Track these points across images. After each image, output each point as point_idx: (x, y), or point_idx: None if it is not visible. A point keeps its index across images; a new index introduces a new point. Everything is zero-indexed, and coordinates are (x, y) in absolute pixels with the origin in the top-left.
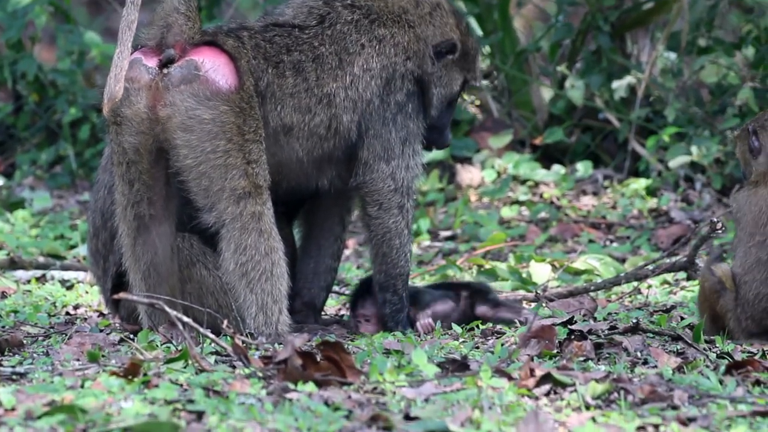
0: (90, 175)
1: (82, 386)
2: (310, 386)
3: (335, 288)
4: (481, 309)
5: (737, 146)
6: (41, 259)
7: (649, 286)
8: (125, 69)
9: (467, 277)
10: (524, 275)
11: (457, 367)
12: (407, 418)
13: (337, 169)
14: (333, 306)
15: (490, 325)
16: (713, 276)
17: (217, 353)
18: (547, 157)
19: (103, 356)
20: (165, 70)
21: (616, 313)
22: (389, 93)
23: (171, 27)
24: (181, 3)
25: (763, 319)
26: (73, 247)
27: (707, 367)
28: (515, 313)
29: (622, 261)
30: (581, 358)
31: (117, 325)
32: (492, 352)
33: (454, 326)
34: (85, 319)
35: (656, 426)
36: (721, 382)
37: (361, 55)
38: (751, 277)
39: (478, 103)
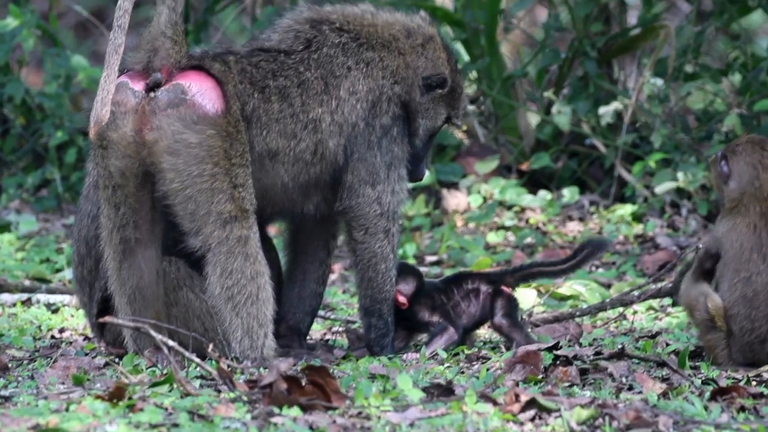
0: (76, 198)
1: (67, 410)
2: (295, 410)
3: (320, 312)
4: (501, 320)
5: (711, 172)
6: (27, 283)
7: (635, 312)
8: (112, 93)
9: None
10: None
11: (442, 391)
12: None
13: (323, 193)
14: (318, 330)
15: (476, 349)
16: (705, 313)
17: (202, 377)
18: (533, 182)
19: (88, 380)
20: (152, 94)
21: (601, 338)
22: (375, 116)
23: (158, 51)
24: (168, 27)
25: (748, 352)
26: (58, 270)
27: (692, 393)
28: (526, 343)
29: (608, 287)
30: (566, 384)
31: (102, 348)
32: (477, 377)
33: (440, 351)
34: (71, 342)
35: None
36: (706, 408)
37: (347, 78)
38: (736, 312)
39: (464, 128)
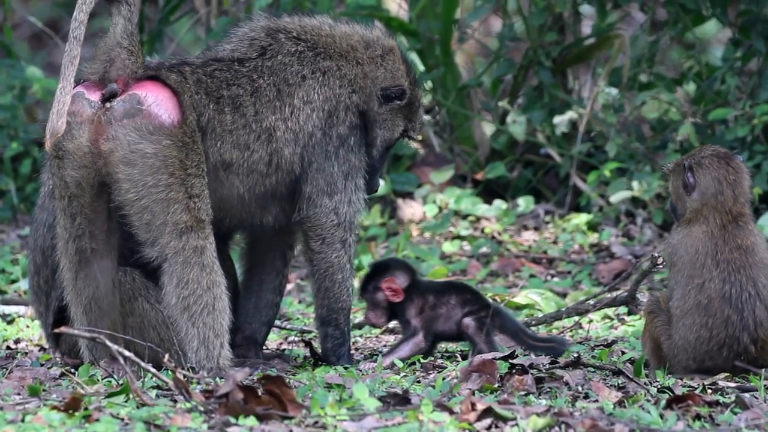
0: (31, 209)
1: (22, 420)
2: (252, 420)
3: (277, 322)
4: (469, 321)
5: (671, 181)
6: None
7: (590, 321)
8: (68, 104)
9: None
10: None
11: (399, 401)
12: None
13: (281, 205)
14: (275, 340)
15: (431, 358)
16: (652, 296)
17: (158, 387)
18: (488, 192)
19: (44, 390)
20: (107, 104)
21: None
22: (331, 126)
23: (114, 61)
24: (124, 37)
25: (705, 360)
26: (14, 281)
27: (648, 401)
28: (487, 349)
29: (564, 296)
30: (522, 393)
31: (58, 359)
32: (433, 386)
33: (396, 361)
34: (26, 353)
35: None
36: (661, 416)
37: (301, 86)
38: (692, 320)
39: (420, 138)
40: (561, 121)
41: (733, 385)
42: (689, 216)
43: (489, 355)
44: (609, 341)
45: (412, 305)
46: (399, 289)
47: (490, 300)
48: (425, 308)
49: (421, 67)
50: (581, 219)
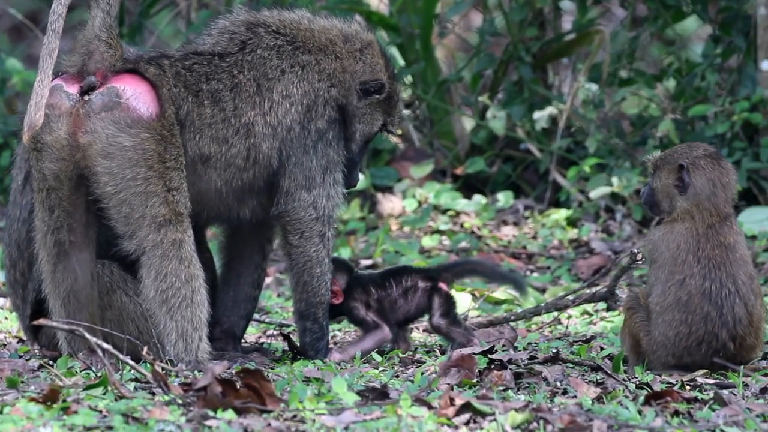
0: None
1: (0, 412)
2: (230, 414)
3: (255, 316)
4: (439, 321)
5: (658, 178)
6: None
7: (569, 317)
8: (46, 97)
9: None
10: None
11: (377, 395)
12: None
13: (258, 198)
14: (253, 334)
15: (411, 353)
16: (632, 292)
17: (136, 380)
18: (468, 186)
19: (22, 382)
20: (86, 97)
21: (536, 343)
22: (310, 120)
23: (92, 54)
24: (103, 30)
25: (684, 356)
26: None
27: (626, 397)
28: (467, 340)
29: (543, 291)
30: (501, 388)
31: (36, 351)
32: (412, 381)
33: (374, 355)
34: (4, 345)
35: None
36: (640, 412)
37: (281, 81)
38: (671, 317)
39: (399, 132)
40: (541, 116)
41: (711, 381)
42: (676, 215)
43: (468, 350)
44: (588, 337)
45: (358, 303)
46: (339, 291)
47: (432, 267)
48: (371, 302)
49: (401, 62)
50: (561, 214)
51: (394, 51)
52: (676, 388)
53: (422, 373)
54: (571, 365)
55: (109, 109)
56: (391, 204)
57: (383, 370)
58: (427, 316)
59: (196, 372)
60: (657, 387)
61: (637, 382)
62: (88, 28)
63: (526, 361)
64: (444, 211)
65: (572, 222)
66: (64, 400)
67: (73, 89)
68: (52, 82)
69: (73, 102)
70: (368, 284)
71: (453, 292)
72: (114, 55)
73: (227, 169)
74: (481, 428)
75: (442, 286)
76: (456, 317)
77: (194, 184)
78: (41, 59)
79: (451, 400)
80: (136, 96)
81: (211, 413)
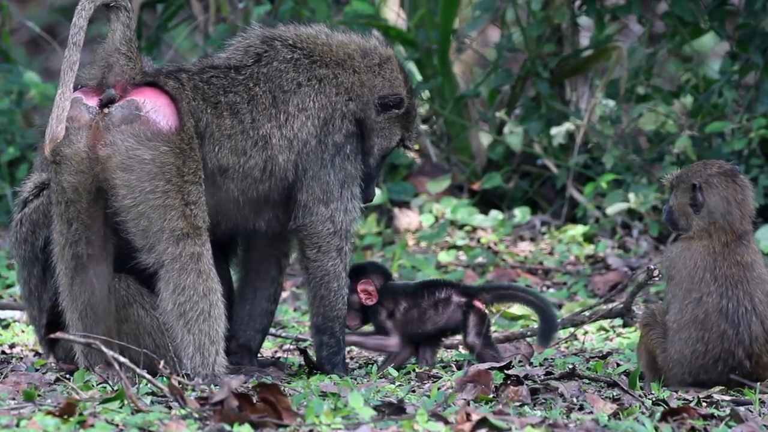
0: None
1: (17, 425)
2: (246, 428)
3: (272, 330)
4: (473, 340)
5: (675, 197)
6: None
7: (586, 332)
8: (67, 109)
9: None
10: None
11: (394, 410)
12: None
13: (274, 211)
14: (269, 348)
15: (427, 368)
16: (648, 308)
17: (153, 393)
18: (485, 202)
19: (39, 395)
20: (105, 110)
21: (552, 358)
22: (327, 134)
23: (112, 67)
24: (123, 43)
25: (700, 374)
26: (9, 286)
27: (643, 413)
28: (496, 361)
29: (559, 307)
30: (517, 403)
31: (53, 364)
32: (428, 396)
33: (390, 369)
34: (21, 358)
35: None
36: (656, 428)
37: (296, 94)
38: (688, 335)
39: (416, 147)
40: (558, 132)
41: (728, 398)
42: (692, 234)
43: (484, 366)
44: (604, 353)
45: (383, 309)
46: (374, 292)
47: (472, 285)
48: (396, 312)
49: (418, 77)
50: (577, 230)
51: (411, 66)
52: (692, 404)
53: (439, 388)
54: (587, 381)
55: (128, 122)
56: (407, 219)
57: (399, 385)
58: (459, 335)
59: (212, 386)
60: (673, 403)
61: (654, 399)
62: (107, 41)
63: (542, 377)
64: (461, 227)
65: (589, 238)
66: (81, 414)
67: (93, 102)
68: (72, 94)
69: (93, 115)
70: (399, 294)
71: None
72: (134, 68)
73: (244, 180)
74: None
75: (479, 304)
76: (490, 339)
77: (213, 196)
78: (62, 72)
79: (468, 415)
80: (156, 109)
81: (227, 427)
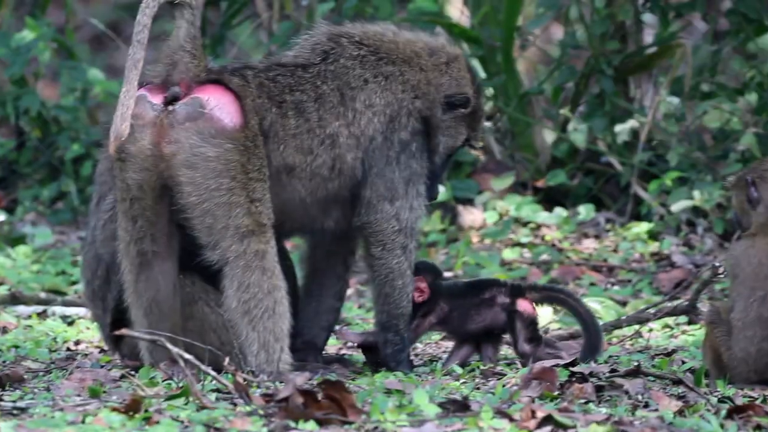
0: None
1: (83, 422)
2: (311, 425)
3: (337, 327)
4: (523, 347)
5: (734, 195)
6: (42, 295)
7: (651, 330)
8: (132, 107)
9: None
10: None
11: (458, 407)
12: None
13: (342, 209)
14: (334, 345)
15: (491, 365)
16: (713, 306)
17: (218, 390)
18: (549, 199)
19: (104, 392)
20: (170, 108)
21: (617, 356)
22: (393, 131)
23: (177, 64)
24: (187, 41)
25: (766, 372)
26: (74, 283)
27: (708, 411)
28: (555, 357)
29: (624, 304)
30: (582, 401)
31: (118, 361)
32: (493, 393)
33: (455, 367)
34: (86, 354)
35: None
36: (722, 426)
37: (363, 90)
38: (753, 333)
39: (481, 144)
40: (622, 129)
41: None
42: (754, 230)
43: (549, 363)
44: (669, 350)
45: (424, 306)
46: (425, 288)
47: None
48: (435, 309)
49: (482, 74)
50: (642, 228)
51: (475, 63)
52: (758, 402)
53: (503, 386)
54: (652, 378)
55: (193, 120)
56: (472, 216)
57: (464, 383)
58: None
59: (277, 383)
60: (739, 401)
61: (719, 396)
62: (172, 38)
63: (607, 374)
64: (525, 224)
65: (653, 235)
66: (146, 410)
67: (157, 99)
68: (137, 92)
69: (157, 112)
70: (442, 294)
71: (537, 311)
72: (198, 65)
73: (312, 180)
74: None
75: (525, 305)
76: (541, 340)
77: (278, 195)
78: (126, 70)
79: (533, 412)
80: (220, 106)
81: (292, 424)
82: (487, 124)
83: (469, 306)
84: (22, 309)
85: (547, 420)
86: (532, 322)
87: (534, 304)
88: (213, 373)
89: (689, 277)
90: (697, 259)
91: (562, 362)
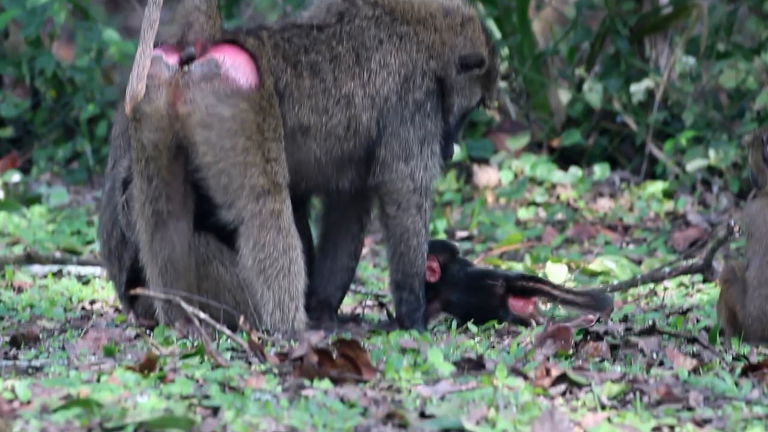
0: None
1: (98, 380)
2: (326, 383)
3: (352, 286)
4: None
5: (750, 154)
6: (58, 255)
7: (666, 289)
8: (147, 68)
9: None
10: (540, 276)
11: (473, 366)
12: (422, 416)
13: (357, 169)
14: (349, 304)
15: (506, 324)
16: (728, 264)
17: (233, 349)
18: (564, 159)
19: (119, 351)
20: (185, 68)
21: (632, 314)
22: (408, 90)
23: (192, 25)
24: (203, 1)
25: None
26: (89, 242)
27: (723, 369)
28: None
29: (639, 263)
30: (597, 359)
31: (133, 320)
32: (508, 352)
33: (470, 325)
34: (101, 314)
35: (671, 427)
36: (736, 384)
37: (378, 50)
38: (767, 291)
39: (496, 104)
40: (637, 89)
41: None
42: None
43: (564, 322)
44: (684, 309)
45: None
46: (437, 268)
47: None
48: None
49: (497, 35)
50: (657, 187)
51: (490, 24)
52: None
53: (518, 344)
54: (667, 337)
55: (208, 80)
56: (487, 176)
57: (479, 341)
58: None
59: (292, 342)
60: (754, 359)
61: (734, 354)
62: None
63: (622, 333)
64: (540, 183)
65: (669, 194)
66: (161, 369)
67: (173, 60)
68: (152, 52)
69: (173, 72)
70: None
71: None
72: (213, 25)
73: (327, 140)
74: (577, 399)
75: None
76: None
77: (293, 155)
78: (142, 30)
79: (548, 371)
80: (236, 67)
81: (307, 383)
82: (503, 84)
83: (468, 297)
84: (37, 269)
85: (562, 378)
86: (521, 321)
87: (529, 299)
88: (228, 332)
89: (704, 236)
90: (713, 218)
91: (576, 321)
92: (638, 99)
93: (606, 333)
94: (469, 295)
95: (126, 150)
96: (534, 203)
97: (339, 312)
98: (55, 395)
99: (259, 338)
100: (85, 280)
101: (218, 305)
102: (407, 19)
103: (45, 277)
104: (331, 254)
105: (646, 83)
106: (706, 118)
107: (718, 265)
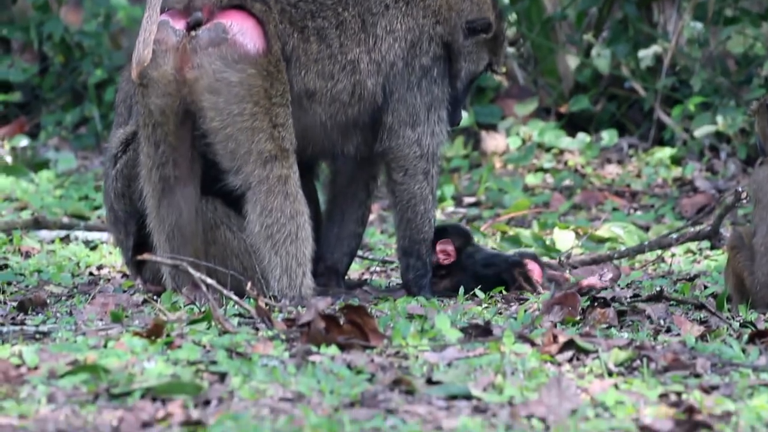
0: None
1: (105, 346)
2: (333, 349)
3: (359, 253)
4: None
5: (757, 121)
6: (65, 220)
7: (673, 255)
8: (154, 33)
9: (490, 243)
10: (548, 242)
11: (480, 332)
12: (429, 382)
13: (363, 134)
14: (357, 270)
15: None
16: (735, 231)
17: (240, 315)
18: (572, 125)
19: (126, 317)
20: (193, 33)
21: (639, 281)
22: (414, 56)
23: None
24: None
25: None
26: (97, 208)
27: (730, 335)
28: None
29: (646, 229)
30: (604, 326)
31: (140, 286)
32: (515, 318)
33: (477, 292)
34: (109, 279)
35: (678, 394)
36: (744, 350)
37: (384, 16)
38: None
39: (504, 70)
40: (645, 54)
41: None
42: None
43: (571, 288)
44: (691, 275)
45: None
46: (452, 251)
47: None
48: (453, 278)
49: (506, 0)
50: (665, 153)
51: None
52: None
53: (525, 311)
54: (674, 303)
55: (215, 45)
56: (495, 142)
57: (486, 307)
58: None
59: (299, 307)
60: (761, 325)
61: (741, 321)
62: None
63: (629, 299)
64: (548, 149)
65: (676, 160)
66: (168, 335)
67: (180, 25)
68: (159, 17)
69: (180, 37)
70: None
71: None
72: None
73: (332, 104)
74: (584, 365)
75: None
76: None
77: (299, 120)
78: None
79: (554, 337)
80: (243, 32)
81: (314, 349)
82: (511, 49)
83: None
84: (44, 234)
85: (569, 345)
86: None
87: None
88: (235, 297)
89: (712, 202)
90: (720, 184)
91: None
92: (646, 65)
93: (613, 299)
94: (479, 280)
95: (122, 122)
96: (542, 169)
97: (346, 278)
98: (62, 361)
99: (266, 304)
100: (92, 246)
101: (225, 271)
102: None
103: (52, 242)
104: (338, 220)
105: (654, 49)
106: (714, 84)
107: (726, 231)
